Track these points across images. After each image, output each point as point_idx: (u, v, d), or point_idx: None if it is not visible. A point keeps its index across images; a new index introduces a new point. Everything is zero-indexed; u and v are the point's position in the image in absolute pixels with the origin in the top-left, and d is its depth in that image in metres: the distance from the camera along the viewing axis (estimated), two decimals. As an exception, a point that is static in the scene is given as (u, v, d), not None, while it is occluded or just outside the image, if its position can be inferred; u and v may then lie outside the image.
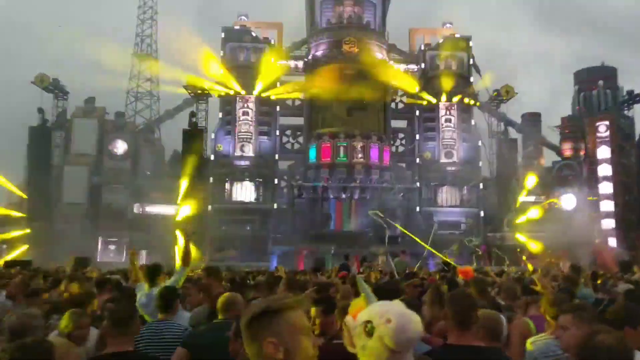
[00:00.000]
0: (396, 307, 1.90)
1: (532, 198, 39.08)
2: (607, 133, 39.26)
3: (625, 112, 40.56)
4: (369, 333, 1.85)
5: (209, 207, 37.30)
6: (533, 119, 41.07)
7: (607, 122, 39.39)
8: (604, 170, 39.00)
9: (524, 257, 34.70)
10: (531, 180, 38.41)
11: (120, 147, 39.13)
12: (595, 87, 41.53)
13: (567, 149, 40.39)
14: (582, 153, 40.05)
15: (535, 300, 5.25)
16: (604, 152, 39.06)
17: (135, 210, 38.21)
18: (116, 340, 3.45)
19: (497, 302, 5.87)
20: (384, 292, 4.93)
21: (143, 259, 36.63)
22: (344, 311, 5.58)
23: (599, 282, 10.69)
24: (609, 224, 38.43)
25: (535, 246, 35.78)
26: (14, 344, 2.49)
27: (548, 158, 41.64)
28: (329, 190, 36.32)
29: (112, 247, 38.24)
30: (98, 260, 35.78)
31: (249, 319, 1.77)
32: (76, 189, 38.13)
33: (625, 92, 40.70)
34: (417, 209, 37.90)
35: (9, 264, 22.73)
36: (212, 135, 38.71)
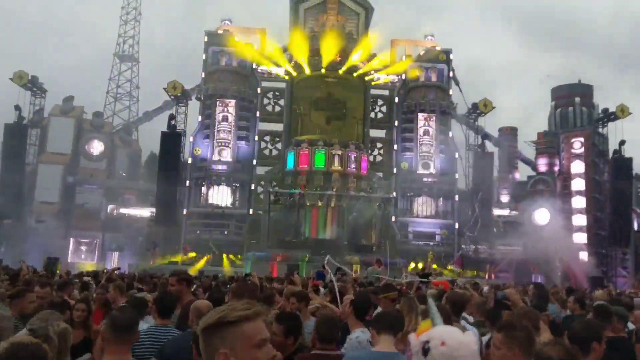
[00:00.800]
0: (455, 333, 1.92)
1: (506, 211, 39.61)
2: (582, 149, 39.91)
3: (600, 129, 41.22)
4: (425, 352, 1.88)
5: (184, 211, 37.11)
6: (509, 133, 41.54)
7: (582, 139, 40.05)
8: (577, 184, 39.63)
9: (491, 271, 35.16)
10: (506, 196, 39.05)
11: (97, 147, 38.85)
12: (572, 104, 42.21)
13: (542, 164, 40.94)
14: (556, 169, 40.59)
15: (508, 314, 5.19)
16: (577, 166, 39.71)
17: (108, 211, 37.87)
18: (116, 347, 3.37)
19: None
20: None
21: (115, 260, 36.32)
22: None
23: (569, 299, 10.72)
24: (581, 238, 38.96)
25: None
26: (4, 343, 2.39)
27: (523, 172, 42.19)
28: (305, 197, 36.32)
29: (83, 247, 37.82)
30: (69, 260, 35.39)
31: (203, 328, 1.71)
32: (50, 187, 37.74)
33: (600, 110, 41.39)
34: (393, 218, 38.04)
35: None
36: (191, 139, 38.54)
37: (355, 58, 39.09)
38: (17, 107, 38.19)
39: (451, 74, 40.95)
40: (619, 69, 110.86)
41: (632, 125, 40.28)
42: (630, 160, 39.35)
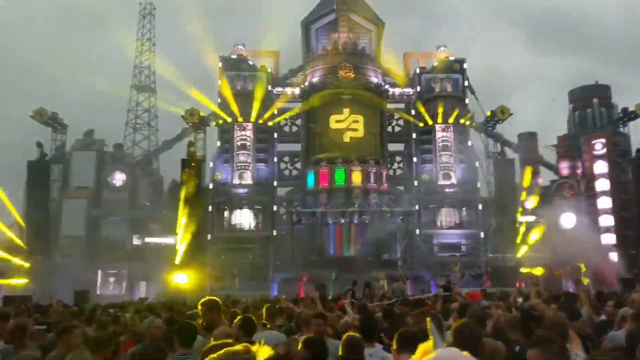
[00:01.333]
0: (460, 355, 1.93)
1: (532, 218, 39.10)
2: (604, 150, 39.41)
3: (621, 129, 40.75)
4: None
5: (208, 236, 37.26)
6: (529, 139, 41.22)
7: (603, 140, 39.57)
8: (602, 185, 39.09)
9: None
10: (531, 202, 38.58)
11: (119, 178, 39.28)
12: (590, 106, 41.82)
13: (565, 168, 40.49)
14: (579, 171, 40.11)
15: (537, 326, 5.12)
16: (600, 167, 39.19)
17: (134, 242, 38.18)
18: None
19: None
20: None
21: (143, 290, 36.50)
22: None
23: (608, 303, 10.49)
24: (609, 239, 38.34)
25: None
26: None
27: (546, 177, 41.76)
28: (327, 215, 36.31)
29: (111, 279, 38.09)
30: (98, 293, 35.62)
31: None
32: (75, 222, 38.16)
33: (619, 110, 40.97)
34: (417, 231, 37.82)
35: (8, 300, 22.62)
36: (211, 164, 38.84)
37: (369, 74, 39.30)
38: (39, 144, 38.89)
39: (466, 84, 40.89)
40: (634, 67, 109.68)
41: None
42: (654, 157, 38.89)
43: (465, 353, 1.97)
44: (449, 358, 1.88)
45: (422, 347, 2.15)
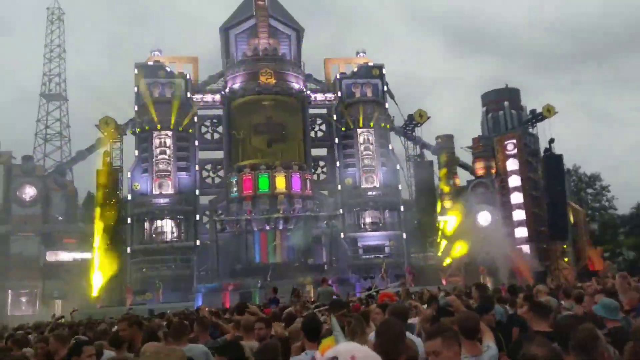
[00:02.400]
0: (362, 348, 2.02)
1: (450, 217, 40.52)
2: (515, 150, 41.50)
3: (530, 130, 43.04)
4: None
5: (128, 249, 35.96)
6: (446, 141, 42.71)
7: (514, 140, 41.66)
8: (514, 181, 41.23)
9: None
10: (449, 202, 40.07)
11: (29, 192, 37.12)
12: (502, 108, 43.92)
13: (480, 168, 42.28)
14: (493, 171, 42.00)
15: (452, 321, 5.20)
16: (512, 164, 41.32)
17: (47, 258, 36.17)
18: None
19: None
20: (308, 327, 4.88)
21: (59, 308, 34.60)
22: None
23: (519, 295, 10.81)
24: (522, 232, 40.43)
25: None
26: None
27: (462, 177, 43.42)
28: (252, 222, 35.98)
29: (23, 298, 35.88)
30: (9, 314, 33.50)
31: None
32: (-19, 239, 35.65)
33: (529, 112, 43.27)
34: (342, 235, 38.22)
35: None
36: (129, 175, 37.50)
37: (290, 79, 39.37)
38: (-60, 158, 36.14)
39: (385, 88, 41.85)
40: (540, 70, 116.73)
41: (559, 123, 42.41)
42: (560, 157, 41.34)
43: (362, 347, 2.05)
44: (347, 352, 1.95)
45: (325, 341, 2.15)
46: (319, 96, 41.51)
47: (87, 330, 11.59)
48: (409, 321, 6.95)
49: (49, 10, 44.50)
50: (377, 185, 39.57)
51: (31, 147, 41.69)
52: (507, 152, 41.58)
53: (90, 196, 38.50)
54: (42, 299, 35.77)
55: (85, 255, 36.48)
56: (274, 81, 38.60)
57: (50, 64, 42.84)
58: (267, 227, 36.23)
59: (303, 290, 28.76)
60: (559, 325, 4.17)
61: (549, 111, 41.07)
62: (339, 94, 41.26)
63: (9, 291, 35.63)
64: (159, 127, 37.43)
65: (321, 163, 42.80)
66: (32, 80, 43.41)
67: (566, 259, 41.18)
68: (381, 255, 38.06)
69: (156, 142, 37.62)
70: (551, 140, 41.13)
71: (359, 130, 40.24)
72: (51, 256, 36.63)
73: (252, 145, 38.07)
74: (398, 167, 40.78)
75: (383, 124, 40.49)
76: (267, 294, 25.33)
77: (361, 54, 43.35)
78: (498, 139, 42.12)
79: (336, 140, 40.71)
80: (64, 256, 36.51)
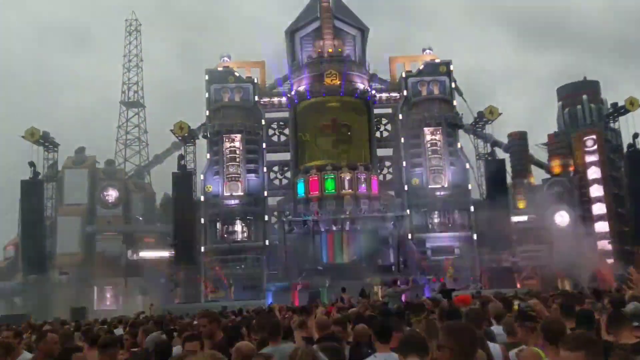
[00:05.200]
0: None
1: (524, 217, 38.97)
2: (595, 147, 39.20)
3: (611, 124, 40.48)
4: None
5: (202, 248, 37.46)
6: (519, 138, 41.03)
7: (594, 136, 39.36)
8: (596, 190, 38.80)
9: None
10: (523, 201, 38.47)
11: (112, 194, 39.63)
12: (580, 102, 41.59)
13: (556, 166, 40.27)
14: (571, 169, 39.88)
15: (533, 327, 4.90)
16: (592, 161, 38.94)
17: (129, 257, 38.46)
18: None
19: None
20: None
21: (140, 304, 36.72)
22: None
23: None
24: (603, 233, 38.12)
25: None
26: None
27: (537, 176, 41.56)
28: (319, 223, 36.36)
29: (108, 294, 38.39)
30: (95, 309, 35.90)
31: None
32: (70, 239, 38.55)
33: (609, 105, 40.68)
34: (409, 236, 37.75)
35: (3, 320, 22.88)
36: (202, 177, 39.04)
37: (355, 80, 39.36)
38: (32, 163, 39.22)
39: (453, 85, 40.76)
40: (620, 62, 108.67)
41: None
42: (645, 152, 38.59)
43: None
44: None
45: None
46: (384, 95, 41.14)
47: (170, 323, 12.27)
48: (493, 327, 6.73)
49: (126, 22, 47.26)
50: (446, 185, 38.69)
51: (112, 151, 44.43)
52: (587, 149, 39.30)
53: (167, 198, 40.44)
54: (124, 294, 38.05)
55: (163, 253, 38.49)
56: (339, 82, 38.72)
57: (129, 73, 45.52)
58: (334, 228, 36.48)
59: (371, 291, 28.84)
60: None
61: (632, 104, 38.47)
62: (405, 92, 40.67)
63: (95, 287, 38.20)
64: (228, 131, 38.67)
65: (387, 163, 42.44)
66: (112, 89, 46.22)
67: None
68: (450, 257, 37.25)
69: (226, 145, 38.88)
70: (635, 135, 38.43)
71: (425, 129, 39.50)
72: (132, 254, 38.91)
73: (318, 147, 38.43)
74: (467, 166, 39.63)
75: (451, 122, 39.54)
76: (336, 293, 25.66)
77: (427, 51, 42.47)
78: (576, 135, 39.90)
79: (402, 140, 40.19)
80: (144, 254, 38.65)
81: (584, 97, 41.34)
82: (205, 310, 7.27)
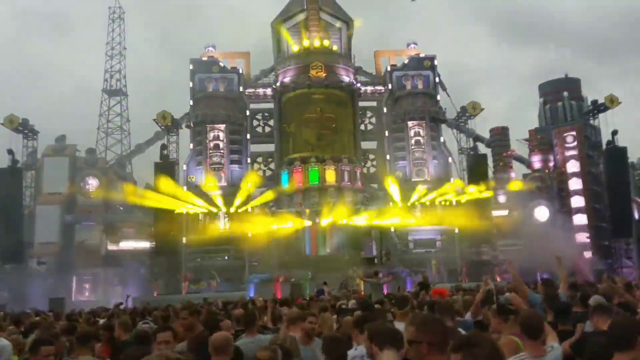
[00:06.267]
0: None
1: (505, 212, 39.45)
2: (575, 143, 39.85)
3: (591, 121, 41.18)
4: None
5: (183, 239, 37.16)
6: (500, 133, 41.52)
7: (574, 133, 40.02)
8: (574, 184, 39.48)
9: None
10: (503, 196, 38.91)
11: (92, 183, 39.05)
12: (561, 99, 42.21)
13: (537, 161, 40.86)
14: (551, 164, 40.50)
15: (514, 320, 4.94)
16: (573, 165, 39.62)
17: (109, 247, 37.98)
18: None
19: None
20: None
21: (119, 295, 36.31)
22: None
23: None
24: (582, 228, 38.80)
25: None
26: None
27: (518, 171, 42.11)
28: (302, 215, 36.35)
29: (87, 285, 37.87)
30: (73, 299, 35.40)
31: None
32: (49, 228, 37.86)
33: (589, 102, 41.37)
34: (392, 229, 37.93)
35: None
36: (184, 167, 38.73)
37: (340, 72, 39.38)
38: (10, 151, 38.44)
39: (437, 80, 41.07)
40: (600, 59, 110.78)
41: (622, 114, 40.32)
42: (624, 149, 39.28)
43: None
44: None
45: None
46: (369, 89, 41.29)
47: (145, 315, 12.16)
48: (466, 317, 6.86)
49: (110, 9, 46.57)
50: (428, 179, 39.00)
51: (94, 140, 43.76)
52: (567, 145, 39.96)
53: (149, 187, 39.97)
54: (104, 285, 37.59)
55: (144, 244, 38.10)
56: (324, 75, 38.69)
57: (111, 61, 44.92)
58: (317, 220, 36.49)
59: (352, 284, 28.91)
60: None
61: (612, 101, 39.14)
62: (390, 86, 40.86)
63: (74, 277, 37.64)
64: (212, 121, 38.39)
65: (371, 156, 42.57)
66: (93, 76, 45.58)
67: (630, 257, 39.27)
68: (432, 250, 37.58)
69: (210, 135, 38.63)
70: (614, 132, 39.13)
71: (409, 123, 39.75)
72: (112, 245, 38.43)
73: (303, 139, 38.37)
74: (450, 160, 40.02)
75: (435, 117, 39.83)
76: (318, 285, 25.69)
77: (412, 46, 42.72)
78: (557, 131, 40.54)
79: (386, 133, 40.39)
80: (124, 245, 38.20)
81: (565, 94, 42.00)
82: (187, 303, 7.26)
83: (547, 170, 40.10)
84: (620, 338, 3.20)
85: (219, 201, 37.12)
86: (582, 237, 38.71)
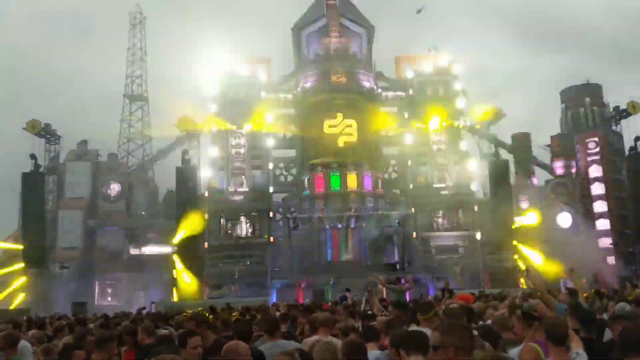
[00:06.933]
0: None
1: (527, 218, 39.21)
2: (597, 149, 39.64)
3: (613, 127, 40.98)
4: None
5: (205, 244, 37.16)
6: (523, 139, 41.38)
7: (596, 139, 39.83)
8: (597, 188, 39.25)
9: (521, 280, 34.72)
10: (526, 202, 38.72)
11: (114, 188, 39.20)
12: (582, 105, 42.07)
13: (559, 167, 40.68)
14: (573, 170, 40.29)
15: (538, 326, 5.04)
16: (595, 170, 39.39)
17: (131, 252, 38.05)
18: None
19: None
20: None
21: (141, 300, 36.36)
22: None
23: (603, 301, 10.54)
24: (606, 242, 38.49)
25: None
26: None
27: (540, 177, 41.91)
28: (324, 220, 36.33)
29: (109, 290, 37.95)
30: (95, 304, 35.49)
31: None
32: (71, 233, 38.06)
33: (612, 109, 41.19)
34: (414, 234, 37.82)
35: (2, 315, 22.48)
36: (206, 172, 38.75)
37: (361, 78, 39.40)
38: (33, 156, 38.52)
39: (458, 85, 40.98)
40: (624, 65, 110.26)
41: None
42: (647, 155, 39.05)
43: None
44: None
45: None
46: (390, 94, 41.26)
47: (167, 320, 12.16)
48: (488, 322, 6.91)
49: (130, 14, 46.79)
50: (450, 185, 38.89)
51: (115, 145, 43.95)
52: (589, 151, 39.77)
53: (170, 193, 40.08)
54: (126, 290, 37.64)
55: (166, 249, 38.10)
56: (345, 80, 38.73)
57: (132, 66, 45.07)
58: (339, 225, 36.46)
59: (375, 289, 28.80)
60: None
61: (634, 107, 38.93)
62: (411, 91, 40.82)
63: (96, 282, 37.74)
64: (234, 126, 38.45)
65: (392, 162, 42.47)
66: (114, 81, 45.77)
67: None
68: (454, 256, 37.42)
69: (232, 141, 38.68)
70: (637, 138, 38.79)
71: (430, 129, 39.66)
72: (134, 250, 38.50)
73: (324, 144, 38.38)
74: (472, 165, 39.87)
75: (456, 122, 39.73)
76: (341, 291, 25.63)
77: (433, 51, 42.73)
78: (579, 137, 40.36)
79: (408, 138, 40.30)
80: (146, 250, 38.26)
81: (587, 100, 41.86)
82: (194, 313, 7.20)
83: (570, 175, 39.88)
84: (629, 342, 3.23)
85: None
86: (605, 243, 38.45)
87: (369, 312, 9.97)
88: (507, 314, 6.61)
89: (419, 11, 46.76)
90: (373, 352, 4.73)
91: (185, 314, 13.46)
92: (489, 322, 6.77)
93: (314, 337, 5.98)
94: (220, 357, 4.28)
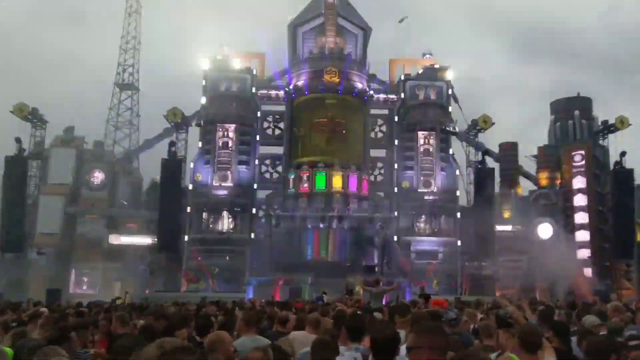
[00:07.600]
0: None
1: (509, 227, 39.35)
2: (583, 162, 39.76)
3: (600, 141, 41.14)
4: None
5: (185, 237, 36.99)
6: (510, 148, 41.47)
7: (582, 152, 39.93)
8: (580, 200, 39.40)
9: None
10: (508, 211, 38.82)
11: (98, 176, 38.90)
12: (571, 117, 42.20)
13: (543, 178, 40.79)
14: (557, 182, 40.41)
15: (512, 333, 5.07)
16: (579, 182, 39.53)
17: (110, 241, 37.75)
18: None
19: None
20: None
21: (117, 290, 36.11)
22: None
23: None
24: (584, 253, 38.66)
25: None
26: None
27: (525, 187, 42.02)
28: (307, 219, 36.21)
29: (85, 278, 37.65)
30: (70, 291, 35.19)
31: None
32: (51, 219, 37.72)
33: (600, 122, 41.36)
34: (395, 238, 37.80)
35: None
36: (191, 165, 38.57)
37: (354, 79, 39.31)
38: (18, 139, 38.34)
39: (450, 92, 40.99)
40: (614, 79, 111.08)
41: (631, 136, 40.23)
42: (631, 171, 39.24)
43: None
44: None
45: None
46: (382, 96, 41.18)
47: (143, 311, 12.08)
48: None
49: (127, 2, 46.46)
50: (435, 190, 38.86)
51: (102, 133, 43.64)
52: (574, 164, 39.87)
53: (154, 184, 39.83)
54: (103, 280, 37.35)
55: (146, 240, 37.88)
56: (338, 80, 38.61)
57: (125, 55, 44.78)
58: (321, 225, 36.33)
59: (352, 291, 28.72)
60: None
61: (622, 123, 39.15)
62: (402, 95, 40.77)
63: (73, 270, 37.42)
64: (223, 120, 38.27)
65: (379, 164, 42.45)
66: (105, 68, 45.36)
67: (629, 279, 39.19)
68: (434, 261, 37.43)
69: (219, 134, 38.47)
70: (622, 154, 39.09)
71: (419, 133, 39.65)
72: (114, 239, 38.19)
73: (312, 143, 38.23)
74: (457, 172, 39.91)
75: (445, 128, 39.75)
76: (317, 290, 25.53)
77: (427, 56, 42.68)
78: (566, 150, 40.45)
79: (396, 142, 40.28)
80: (126, 240, 37.97)
81: (576, 112, 41.97)
82: (156, 307, 7.17)
83: (554, 187, 40.01)
84: (594, 356, 3.24)
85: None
86: (584, 254, 38.64)
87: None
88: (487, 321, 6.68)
89: (401, 21, 46.70)
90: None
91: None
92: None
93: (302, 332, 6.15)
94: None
